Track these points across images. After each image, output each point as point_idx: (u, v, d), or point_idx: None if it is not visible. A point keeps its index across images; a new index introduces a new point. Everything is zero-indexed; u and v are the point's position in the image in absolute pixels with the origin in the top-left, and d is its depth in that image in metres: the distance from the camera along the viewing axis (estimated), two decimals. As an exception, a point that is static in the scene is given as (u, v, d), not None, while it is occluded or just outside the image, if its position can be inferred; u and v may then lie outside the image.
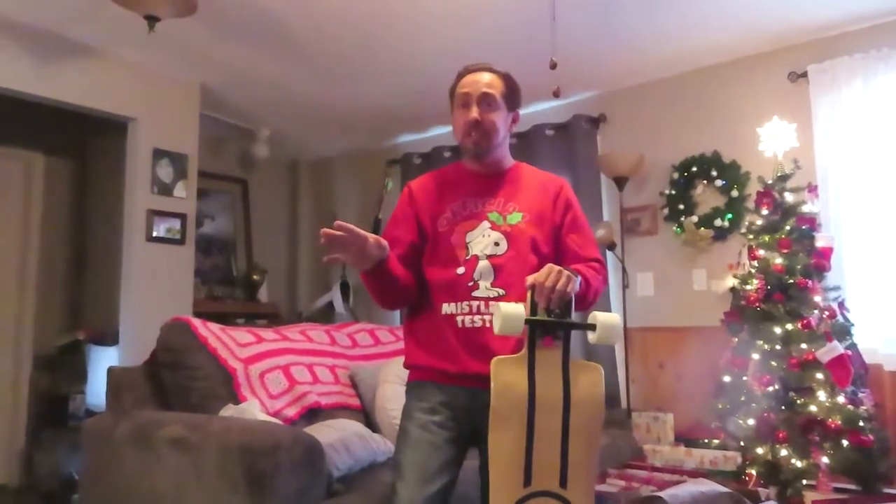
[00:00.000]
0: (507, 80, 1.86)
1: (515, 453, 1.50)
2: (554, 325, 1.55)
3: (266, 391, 2.54)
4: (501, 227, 1.76)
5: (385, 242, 1.67)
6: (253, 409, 2.34)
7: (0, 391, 4.21)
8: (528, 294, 1.55)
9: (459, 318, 1.70)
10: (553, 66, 2.85)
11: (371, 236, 1.62)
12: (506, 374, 1.51)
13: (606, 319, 1.55)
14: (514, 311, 1.50)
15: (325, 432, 2.32)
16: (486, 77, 1.82)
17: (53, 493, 3.84)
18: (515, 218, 1.78)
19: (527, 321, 1.51)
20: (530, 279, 1.56)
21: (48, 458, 3.97)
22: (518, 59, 3.62)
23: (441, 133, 4.78)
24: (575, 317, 1.62)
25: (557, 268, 1.55)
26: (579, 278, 1.62)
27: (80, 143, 4.70)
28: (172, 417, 2.28)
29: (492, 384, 1.50)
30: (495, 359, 1.53)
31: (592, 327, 1.54)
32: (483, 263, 1.72)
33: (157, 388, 2.55)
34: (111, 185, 4.24)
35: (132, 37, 3.37)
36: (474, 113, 1.77)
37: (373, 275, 1.68)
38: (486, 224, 1.77)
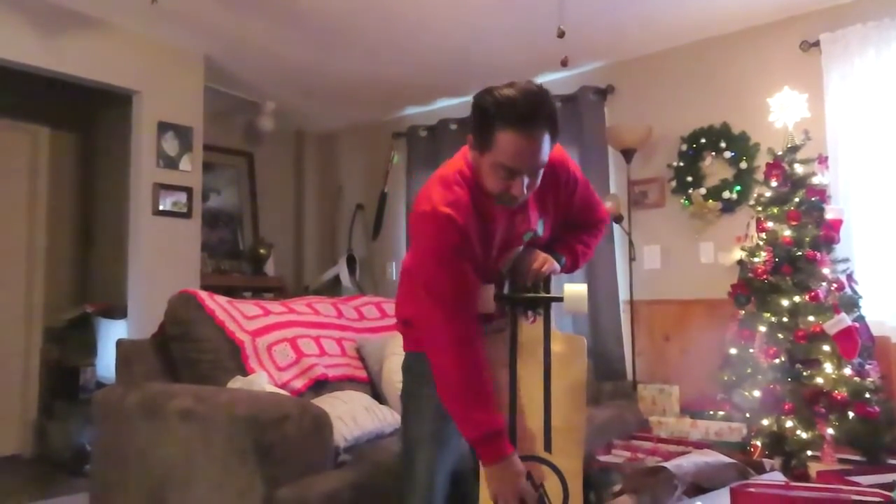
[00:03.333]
0: (554, 122, 1.51)
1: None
2: (523, 301, 1.66)
3: (274, 363, 2.56)
4: (529, 239, 1.71)
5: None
6: (261, 381, 2.36)
7: (12, 364, 4.27)
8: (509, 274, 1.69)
9: (490, 329, 1.69)
10: (561, 34, 2.81)
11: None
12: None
13: (572, 291, 1.64)
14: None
15: (332, 404, 2.33)
16: (539, 141, 1.47)
17: (66, 463, 3.90)
18: (540, 227, 1.73)
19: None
20: (511, 261, 1.64)
21: (60, 429, 4.03)
22: (525, 27, 3.59)
23: (447, 105, 4.74)
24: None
25: (537, 251, 1.63)
26: (563, 259, 1.70)
27: (85, 117, 4.69)
28: (181, 389, 2.30)
29: None
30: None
31: (560, 299, 1.64)
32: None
33: (165, 360, 2.57)
34: (117, 159, 4.23)
35: (135, 8, 3.34)
36: (520, 189, 1.51)
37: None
38: (520, 248, 1.71)
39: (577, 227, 1.82)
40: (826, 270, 2.91)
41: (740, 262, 3.20)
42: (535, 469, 1.57)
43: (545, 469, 1.58)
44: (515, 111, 1.43)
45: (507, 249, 1.67)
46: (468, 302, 1.56)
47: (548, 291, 1.66)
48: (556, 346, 1.63)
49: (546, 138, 1.48)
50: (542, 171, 1.55)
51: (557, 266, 1.66)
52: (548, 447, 1.58)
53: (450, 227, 1.52)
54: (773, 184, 3.09)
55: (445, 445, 1.67)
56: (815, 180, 3.03)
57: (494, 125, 1.46)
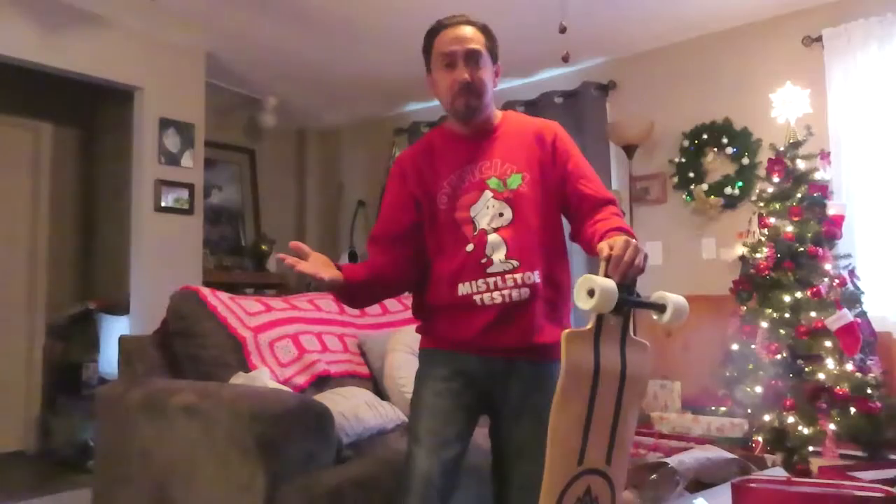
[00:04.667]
0: (487, 31, 1.74)
1: (575, 432, 1.42)
2: (634, 305, 1.45)
3: (276, 359, 2.56)
4: (503, 193, 1.67)
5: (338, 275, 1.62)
6: (263, 377, 2.36)
7: (14, 360, 4.27)
8: (602, 265, 1.43)
9: (477, 297, 1.64)
10: (562, 30, 2.82)
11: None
12: (577, 351, 1.40)
13: (678, 301, 1.45)
14: (611, 287, 1.35)
15: (334, 400, 2.34)
16: (468, 31, 1.70)
17: (69, 458, 3.91)
18: (515, 181, 1.68)
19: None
20: (605, 249, 1.42)
21: (63, 425, 4.04)
22: (527, 23, 3.58)
23: (449, 101, 4.74)
24: None
25: (633, 241, 1.43)
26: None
27: (88, 113, 4.68)
28: (183, 385, 2.30)
29: (563, 361, 1.38)
30: (567, 332, 1.38)
31: (663, 308, 1.46)
32: (492, 237, 1.65)
33: (167, 356, 2.57)
34: (119, 155, 4.23)
35: (137, 5, 3.35)
36: (464, 74, 1.66)
37: (342, 293, 1.69)
38: (488, 194, 1.67)
39: (591, 213, 1.70)
40: (828, 266, 2.91)
41: (742, 258, 3.20)
42: (595, 483, 1.45)
43: (602, 482, 1.46)
44: (437, 24, 1.76)
45: (468, 192, 1.69)
46: (383, 230, 1.80)
47: (635, 290, 1.46)
48: (630, 352, 1.46)
49: (475, 32, 1.71)
50: (482, 63, 1.69)
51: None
52: (608, 460, 1.45)
53: (394, 167, 1.84)
54: (775, 179, 3.09)
55: (445, 445, 1.66)
56: (818, 176, 3.03)
57: (433, 38, 1.74)
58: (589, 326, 1.42)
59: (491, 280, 1.64)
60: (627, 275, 1.41)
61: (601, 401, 1.42)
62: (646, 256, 1.45)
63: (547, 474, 1.41)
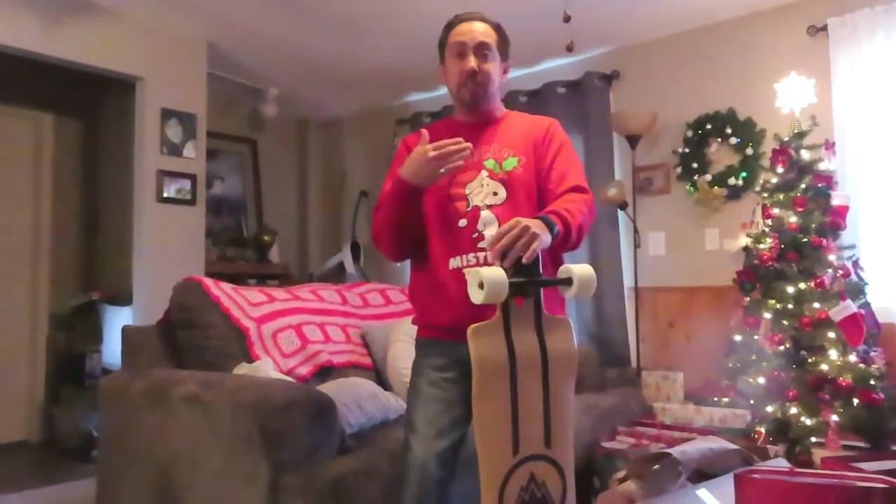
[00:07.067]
0: (500, 29, 1.86)
1: (503, 423, 1.44)
2: (529, 286, 1.45)
3: (279, 350, 2.56)
4: (499, 174, 1.75)
5: None
6: (266, 368, 2.37)
7: (18, 351, 4.29)
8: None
9: (467, 271, 1.66)
10: (567, 19, 2.80)
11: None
12: (485, 345, 1.43)
13: (583, 273, 1.45)
14: (498, 275, 1.37)
15: (337, 390, 2.34)
16: (480, 26, 1.82)
17: (73, 448, 3.93)
18: (511, 164, 1.77)
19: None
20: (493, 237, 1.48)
21: (67, 416, 4.06)
22: (531, 12, 3.56)
23: (451, 91, 4.72)
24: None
25: (521, 221, 1.46)
26: (553, 223, 1.55)
27: (89, 104, 4.68)
28: (187, 376, 2.31)
29: (472, 355, 1.42)
30: (471, 328, 1.43)
31: (569, 282, 1.46)
32: (485, 213, 1.71)
33: (171, 346, 2.58)
34: (121, 146, 4.23)
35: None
36: (472, 62, 1.77)
37: (415, 195, 1.69)
38: (483, 173, 1.76)
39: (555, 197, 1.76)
40: (832, 257, 2.90)
41: (745, 248, 3.19)
42: (538, 468, 1.47)
43: (547, 466, 1.48)
44: (455, 18, 1.87)
45: (465, 171, 1.74)
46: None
47: (538, 269, 1.47)
48: (549, 332, 1.48)
49: (487, 28, 1.82)
50: (490, 57, 1.80)
51: (546, 238, 1.49)
52: (548, 443, 1.48)
53: (400, 147, 1.89)
54: (780, 170, 3.08)
55: (442, 435, 1.67)
56: (822, 166, 3.01)
57: (449, 31, 1.85)
58: (495, 317, 1.44)
59: (482, 255, 1.69)
60: (516, 258, 1.43)
61: (524, 387, 1.45)
62: (533, 236, 1.44)
63: (483, 470, 1.42)
